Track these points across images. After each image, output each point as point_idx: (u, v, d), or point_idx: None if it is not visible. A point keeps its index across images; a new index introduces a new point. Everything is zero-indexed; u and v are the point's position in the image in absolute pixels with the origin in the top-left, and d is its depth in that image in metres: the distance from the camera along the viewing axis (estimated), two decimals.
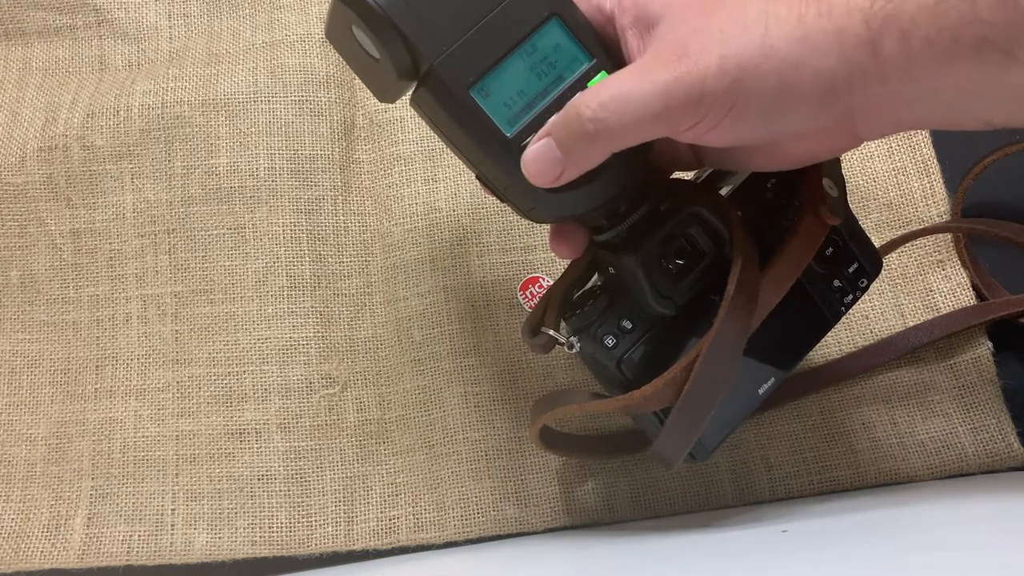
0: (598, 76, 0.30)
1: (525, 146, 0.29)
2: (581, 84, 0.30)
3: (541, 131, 0.29)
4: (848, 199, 0.47)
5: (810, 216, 0.32)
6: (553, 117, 0.29)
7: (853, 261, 0.37)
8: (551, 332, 0.35)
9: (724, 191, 0.37)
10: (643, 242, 0.32)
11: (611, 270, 0.35)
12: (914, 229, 0.46)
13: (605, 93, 0.27)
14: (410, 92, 0.31)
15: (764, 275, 0.32)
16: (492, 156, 0.30)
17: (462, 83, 0.29)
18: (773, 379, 0.36)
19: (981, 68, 0.24)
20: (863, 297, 0.46)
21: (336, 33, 0.31)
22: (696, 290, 0.33)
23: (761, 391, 0.35)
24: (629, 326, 0.34)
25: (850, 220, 0.37)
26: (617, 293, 0.34)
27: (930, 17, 0.24)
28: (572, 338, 0.34)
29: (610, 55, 0.30)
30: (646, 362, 0.34)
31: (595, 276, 0.37)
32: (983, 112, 0.26)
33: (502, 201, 0.33)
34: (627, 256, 0.33)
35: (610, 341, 0.34)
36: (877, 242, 0.47)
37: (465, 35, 0.29)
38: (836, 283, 0.36)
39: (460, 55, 0.29)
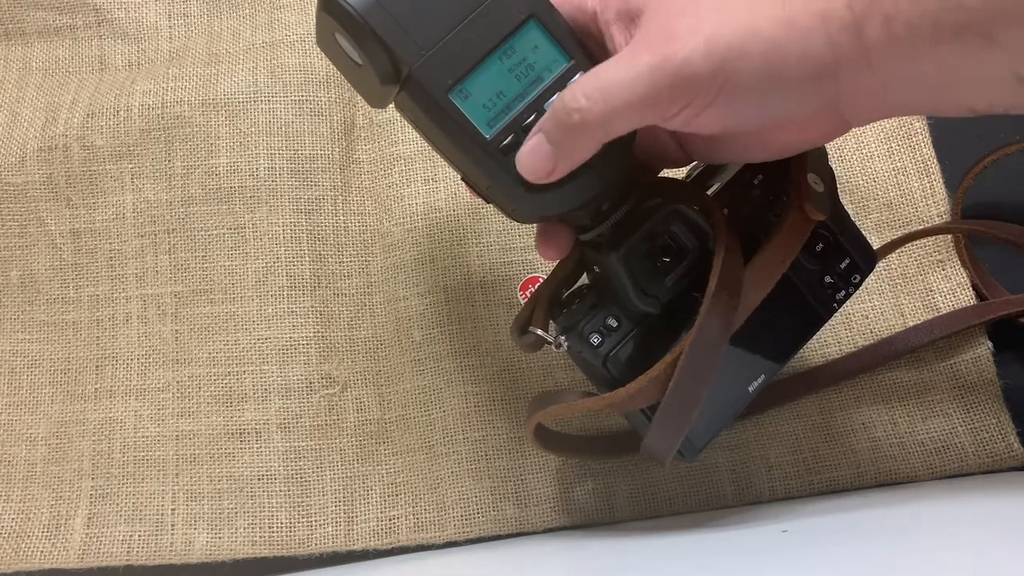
0: (577, 76, 0.30)
1: (505, 147, 0.30)
2: (560, 85, 0.30)
3: (534, 128, 0.29)
4: (846, 198, 0.48)
5: (795, 212, 0.32)
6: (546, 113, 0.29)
7: (844, 257, 0.37)
8: (539, 332, 0.35)
9: (712, 188, 0.37)
10: (626, 240, 0.33)
11: (596, 269, 0.35)
12: (914, 229, 0.46)
13: (590, 82, 0.27)
14: None
15: (747, 271, 0.32)
16: (472, 158, 0.30)
17: (441, 86, 0.29)
18: (763, 376, 0.35)
19: (963, 53, 0.24)
20: (864, 297, 0.47)
21: (324, 41, 0.31)
22: (680, 287, 0.33)
23: (751, 389, 0.35)
24: (615, 324, 0.34)
25: (841, 215, 0.37)
26: (603, 291, 0.34)
27: (912, 2, 0.24)
28: (560, 337, 0.34)
29: (589, 55, 0.30)
30: (632, 360, 0.34)
31: (584, 275, 0.37)
32: (966, 98, 0.26)
33: (487, 202, 0.34)
34: (610, 254, 0.33)
35: (596, 339, 0.34)
36: (877, 242, 0.47)
37: (444, 39, 0.29)
38: (827, 279, 0.36)
39: (439, 59, 0.29)
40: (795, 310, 0.36)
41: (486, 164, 0.30)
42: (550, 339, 0.35)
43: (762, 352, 0.36)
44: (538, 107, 0.30)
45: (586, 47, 0.31)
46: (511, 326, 0.37)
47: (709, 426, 0.35)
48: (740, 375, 0.35)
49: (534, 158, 0.29)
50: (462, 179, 0.34)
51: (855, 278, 0.37)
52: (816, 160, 0.34)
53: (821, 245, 0.36)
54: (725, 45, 0.26)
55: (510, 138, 0.30)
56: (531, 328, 0.35)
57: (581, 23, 0.31)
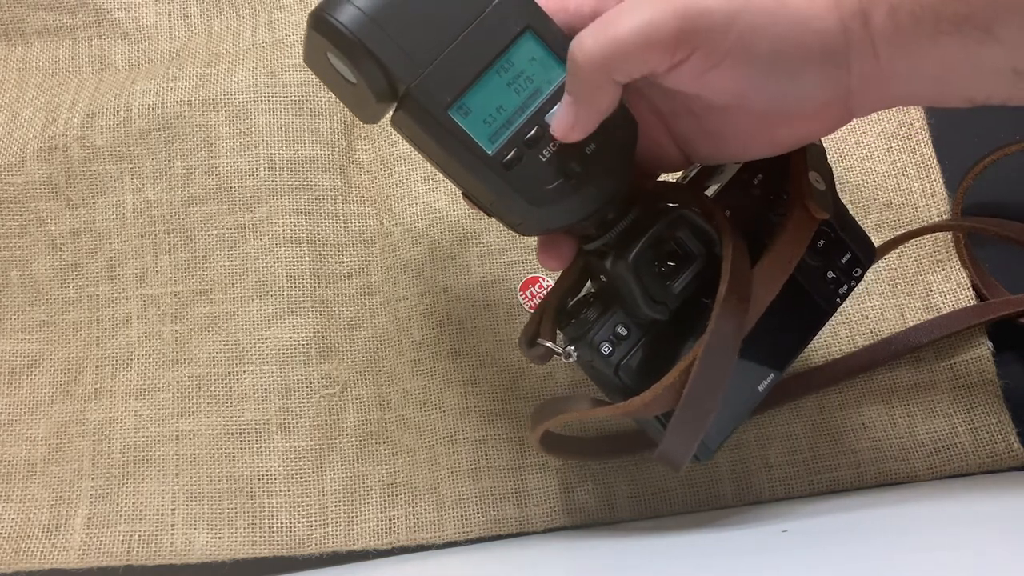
0: None
1: (508, 162, 0.30)
2: (559, 96, 0.30)
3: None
4: (846, 198, 0.48)
5: (798, 211, 0.32)
6: None
7: (845, 251, 0.37)
8: (548, 344, 0.35)
9: (711, 190, 0.37)
10: (632, 248, 0.32)
11: (603, 278, 0.35)
12: (915, 228, 0.46)
13: (596, 21, 0.27)
14: (391, 112, 0.31)
15: (755, 274, 0.32)
16: (475, 174, 0.30)
17: (440, 104, 0.29)
18: (772, 376, 0.36)
19: (962, 45, 0.24)
20: (864, 297, 0.47)
21: (313, 59, 0.31)
22: (689, 292, 0.33)
23: (761, 388, 0.35)
24: (625, 332, 0.34)
25: (840, 210, 0.37)
26: (611, 300, 0.34)
27: None
28: (569, 347, 0.34)
29: None
30: (644, 367, 0.34)
31: (588, 283, 0.37)
32: (965, 89, 0.26)
33: (489, 216, 0.33)
34: (617, 263, 0.32)
35: (606, 348, 0.34)
36: (877, 243, 0.47)
37: (440, 55, 0.29)
38: (830, 275, 0.36)
39: (437, 76, 0.29)
40: (800, 307, 0.36)
41: (490, 180, 0.30)
42: (559, 350, 0.35)
43: (770, 351, 0.36)
44: (539, 120, 0.30)
45: None
46: (519, 339, 0.37)
47: (722, 427, 0.35)
48: (750, 375, 0.35)
49: (558, 115, 0.29)
50: (463, 195, 0.34)
51: (856, 271, 0.37)
52: (815, 158, 0.34)
53: (823, 241, 0.36)
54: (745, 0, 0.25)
55: (512, 152, 0.30)
56: (539, 340, 0.35)
57: (578, 30, 0.31)
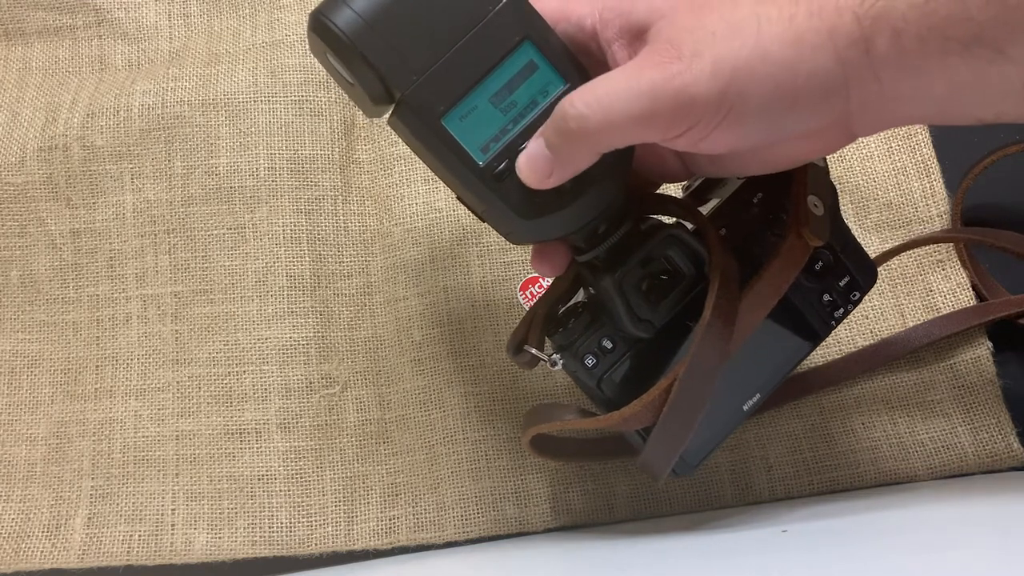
0: None
1: (498, 174, 0.29)
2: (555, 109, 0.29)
3: (537, 132, 0.29)
4: (846, 198, 0.48)
5: (792, 237, 0.32)
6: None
7: (845, 275, 0.36)
8: (533, 351, 0.35)
9: (710, 205, 0.36)
10: (621, 265, 0.32)
11: (592, 290, 0.34)
12: (914, 237, 0.46)
13: (591, 92, 0.27)
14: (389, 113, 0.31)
15: (743, 297, 0.32)
16: (466, 183, 0.30)
17: (433, 112, 0.29)
18: (759, 395, 0.35)
19: (972, 65, 0.24)
20: (864, 297, 0.46)
21: (317, 54, 0.31)
22: (676, 311, 0.33)
23: (746, 407, 0.35)
24: (610, 346, 0.34)
25: (843, 232, 0.36)
26: (599, 311, 0.34)
27: (920, 16, 0.24)
28: (555, 355, 0.34)
29: (586, 77, 0.29)
30: (627, 382, 0.34)
31: (580, 292, 0.37)
32: (974, 109, 0.26)
33: (482, 221, 0.33)
34: (604, 278, 0.32)
35: (590, 360, 0.34)
36: (877, 243, 0.47)
37: (436, 63, 0.28)
38: (826, 297, 0.36)
39: (431, 83, 0.28)
40: (792, 328, 0.36)
41: (480, 190, 0.30)
42: (545, 358, 0.35)
43: (757, 371, 0.35)
44: (532, 132, 0.29)
45: (583, 68, 0.30)
46: (507, 343, 0.37)
47: (703, 444, 0.35)
48: (734, 394, 0.35)
49: (532, 163, 0.29)
50: (457, 198, 0.34)
51: (854, 295, 0.36)
52: (816, 180, 0.33)
53: (821, 263, 0.35)
54: (731, 68, 0.25)
55: (504, 164, 0.29)
56: (526, 347, 0.35)
57: (580, 42, 0.30)
